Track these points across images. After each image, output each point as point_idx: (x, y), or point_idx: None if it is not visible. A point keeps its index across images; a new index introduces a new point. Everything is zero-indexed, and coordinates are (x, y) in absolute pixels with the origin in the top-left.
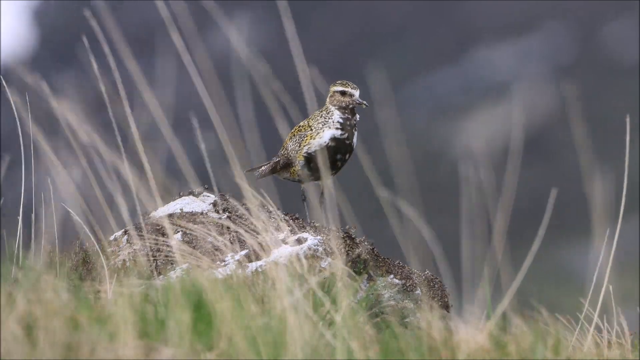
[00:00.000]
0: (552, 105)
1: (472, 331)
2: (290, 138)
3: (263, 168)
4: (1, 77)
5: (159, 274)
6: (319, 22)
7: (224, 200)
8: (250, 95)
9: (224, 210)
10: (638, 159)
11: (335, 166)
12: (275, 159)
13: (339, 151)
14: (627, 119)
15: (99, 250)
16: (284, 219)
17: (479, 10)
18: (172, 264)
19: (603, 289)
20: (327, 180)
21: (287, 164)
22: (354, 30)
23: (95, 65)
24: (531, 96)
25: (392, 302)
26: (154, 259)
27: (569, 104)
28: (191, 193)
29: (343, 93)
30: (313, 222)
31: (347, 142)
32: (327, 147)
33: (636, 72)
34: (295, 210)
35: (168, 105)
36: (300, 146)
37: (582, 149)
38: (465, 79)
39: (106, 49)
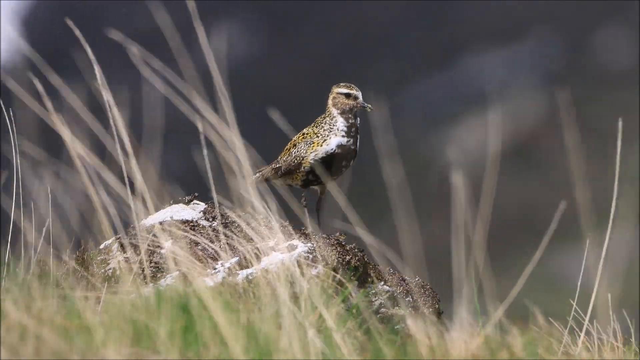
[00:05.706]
0: (540, 113)
1: (464, 337)
2: (295, 145)
3: (258, 174)
4: None
5: (150, 281)
6: (310, 29)
7: (215, 208)
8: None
9: (214, 218)
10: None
11: (339, 172)
12: (275, 165)
13: (344, 158)
14: (619, 122)
15: (89, 258)
16: (275, 226)
17: (468, 18)
18: (162, 271)
19: (593, 295)
20: (328, 186)
21: (290, 170)
22: (343, 38)
23: (98, 74)
24: (519, 104)
25: (383, 309)
26: (145, 267)
27: (562, 110)
28: (181, 201)
29: (348, 95)
30: (303, 229)
31: (352, 147)
32: (334, 153)
33: (625, 79)
34: (284, 216)
35: (161, 113)
36: (307, 152)
37: (574, 154)
38: (454, 87)
39: (92, 57)
